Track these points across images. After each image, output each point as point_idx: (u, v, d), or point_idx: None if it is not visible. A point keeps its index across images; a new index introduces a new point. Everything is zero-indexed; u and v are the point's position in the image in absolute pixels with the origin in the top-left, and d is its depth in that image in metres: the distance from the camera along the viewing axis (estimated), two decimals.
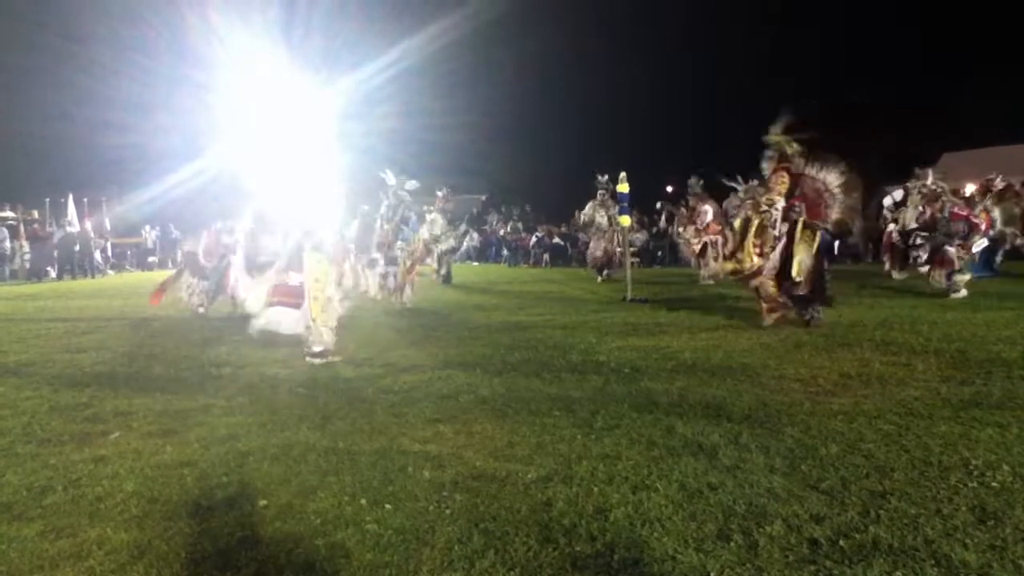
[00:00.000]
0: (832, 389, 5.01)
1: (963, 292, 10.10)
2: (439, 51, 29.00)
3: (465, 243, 31.07)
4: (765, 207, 8.08)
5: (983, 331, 7.07)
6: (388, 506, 3.14)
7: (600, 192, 16.41)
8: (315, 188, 7.48)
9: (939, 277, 10.65)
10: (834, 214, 7.95)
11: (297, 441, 4.12)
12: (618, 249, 15.79)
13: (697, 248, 14.94)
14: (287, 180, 7.49)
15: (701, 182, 15.36)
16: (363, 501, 3.20)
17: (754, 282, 8.17)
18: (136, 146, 30.13)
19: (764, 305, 8.09)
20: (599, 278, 15.89)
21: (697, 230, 14.98)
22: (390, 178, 12.00)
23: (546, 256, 26.42)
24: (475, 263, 29.20)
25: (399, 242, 12.07)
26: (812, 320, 7.80)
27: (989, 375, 5.24)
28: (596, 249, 16.43)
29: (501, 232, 31.23)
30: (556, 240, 26.93)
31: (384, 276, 11.98)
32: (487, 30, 31.69)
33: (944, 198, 11.36)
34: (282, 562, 2.67)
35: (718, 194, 14.87)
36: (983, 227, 11.12)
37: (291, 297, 7.00)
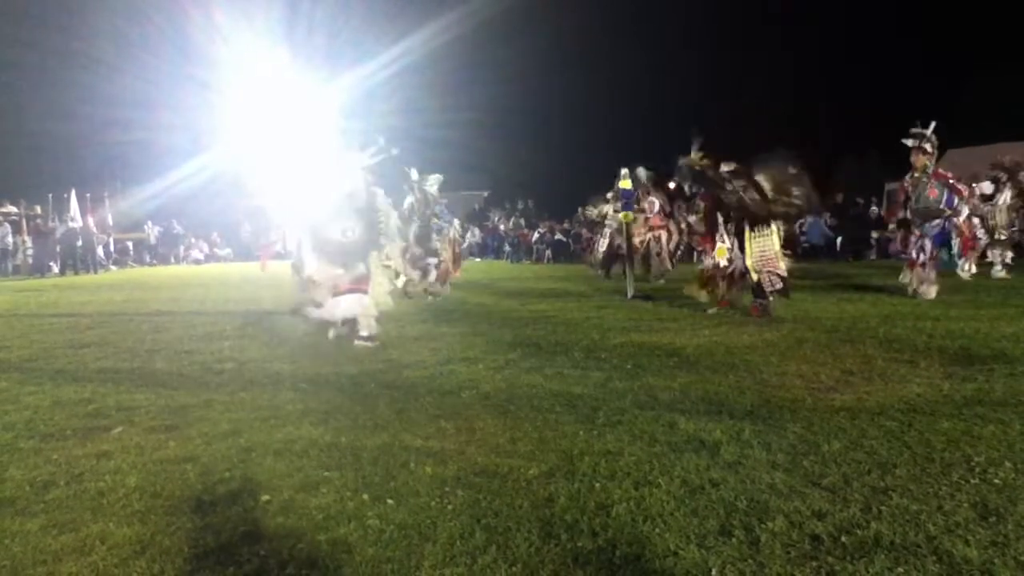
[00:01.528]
0: (834, 385, 5.01)
1: (932, 293, 9.57)
2: (440, 48, 29.08)
3: (467, 239, 31.20)
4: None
5: (986, 328, 7.06)
6: (390, 502, 3.14)
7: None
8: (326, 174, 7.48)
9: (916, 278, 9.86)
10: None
11: (299, 437, 4.12)
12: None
13: (641, 243, 14.34)
14: (310, 176, 7.49)
15: (649, 173, 14.65)
16: (365, 497, 3.20)
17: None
18: (139, 143, 30.28)
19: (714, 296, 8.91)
20: (603, 275, 15.60)
21: (645, 219, 14.51)
22: (413, 174, 12.06)
23: (548, 252, 26.41)
24: (477, 259, 29.21)
25: (434, 234, 12.08)
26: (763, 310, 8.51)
27: (992, 372, 5.23)
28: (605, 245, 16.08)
29: (502, 228, 31.22)
30: (558, 236, 26.93)
31: (426, 268, 12.08)
32: (488, 27, 31.75)
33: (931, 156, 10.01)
34: (284, 557, 2.67)
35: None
36: (965, 193, 10.04)
37: (358, 284, 7.37)
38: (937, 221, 9.74)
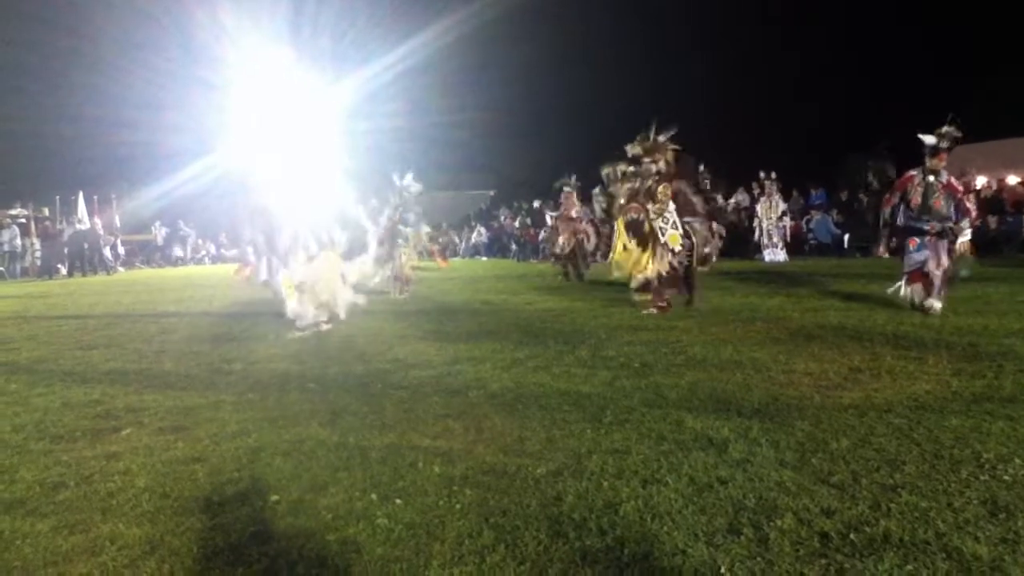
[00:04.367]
0: (842, 383, 4.99)
1: (938, 306, 8.01)
2: (446, 48, 29.00)
3: (473, 238, 31.17)
4: (655, 214, 8.89)
5: (995, 324, 7.03)
6: (398, 501, 3.15)
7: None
8: (323, 184, 7.68)
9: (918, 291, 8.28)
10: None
11: (307, 437, 4.14)
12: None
13: (564, 244, 15.08)
14: (296, 177, 7.64)
15: (576, 182, 15.43)
16: (373, 496, 3.21)
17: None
18: (146, 144, 30.28)
19: (650, 297, 8.99)
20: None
21: (567, 224, 15.20)
22: (400, 179, 12.42)
23: None
24: (484, 258, 29.21)
25: (399, 240, 12.36)
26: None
27: (1001, 368, 5.21)
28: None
29: (516, 225, 31.12)
30: None
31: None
32: (493, 27, 31.61)
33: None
34: (293, 557, 2.68)
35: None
36: (974, 213, 8.56)
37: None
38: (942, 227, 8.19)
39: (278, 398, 5.13)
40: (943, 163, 8.29)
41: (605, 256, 11.86)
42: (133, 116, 29.12)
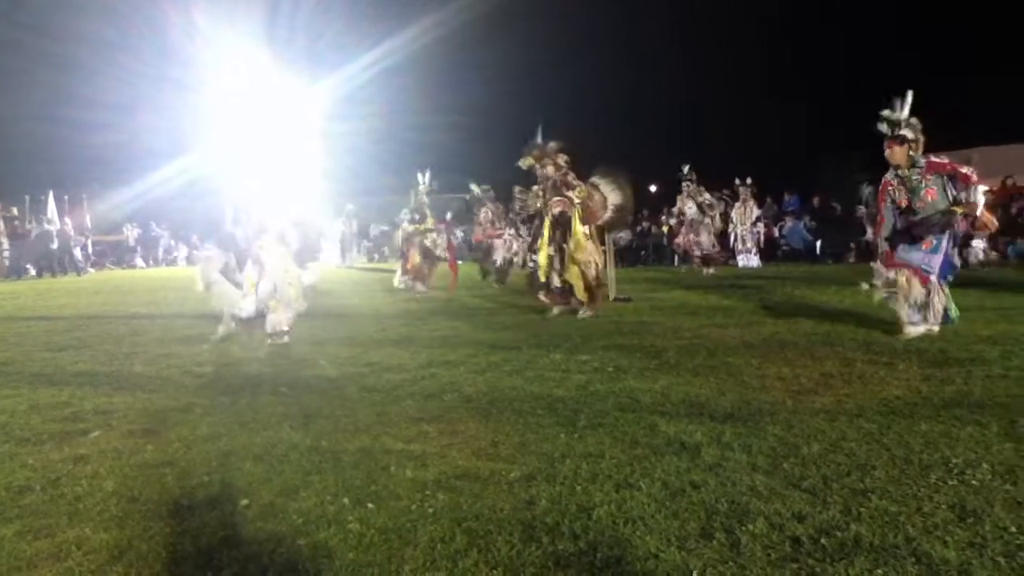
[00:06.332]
0: (814, 388, 5.03)
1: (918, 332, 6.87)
2: (423, 49, 29.02)
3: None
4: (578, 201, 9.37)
5: (964, 330, 7.10)
6: (371, 505, 3.13)
7: (686, 184, 17.10)
8: (290, 184, 7.68)
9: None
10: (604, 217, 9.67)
11: (279, 440, 4.10)
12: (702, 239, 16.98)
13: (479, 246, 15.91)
14: (265, 177, 7.60)
15: (488, 189, 16.38)
16: (345, 500, 3.19)
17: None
18: (118, 144, 29.99)
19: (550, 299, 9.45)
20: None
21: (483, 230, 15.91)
22: (421, 182, 13.46)
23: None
24: (460, 261, 29.18)
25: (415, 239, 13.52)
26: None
27: (970, 374, 5.27)
28: (691, 239, 17.04)
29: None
30: None
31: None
32: (471, 28, 31.68)
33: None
34: (264, 562, 2.65)
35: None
36: (973, 178, 6.87)
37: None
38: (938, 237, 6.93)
39: (250, 401, 5.08)
40: (902, 152, 7.01)
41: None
42: (105, 117, 28.80)
